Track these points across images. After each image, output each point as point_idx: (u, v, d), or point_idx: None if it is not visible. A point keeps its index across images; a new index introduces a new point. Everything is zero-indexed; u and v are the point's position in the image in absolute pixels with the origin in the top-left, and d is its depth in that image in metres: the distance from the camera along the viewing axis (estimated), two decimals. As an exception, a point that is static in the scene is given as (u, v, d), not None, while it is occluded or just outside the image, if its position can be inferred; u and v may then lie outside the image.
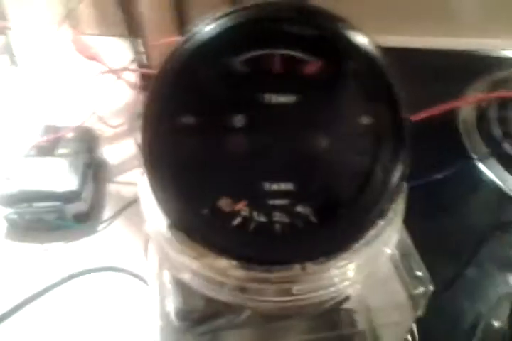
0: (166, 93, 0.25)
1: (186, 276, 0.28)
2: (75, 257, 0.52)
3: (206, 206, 0.27)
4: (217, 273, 0.26)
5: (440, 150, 0.55)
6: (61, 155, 0.56)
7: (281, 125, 0.26)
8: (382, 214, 0.27)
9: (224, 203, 0.27)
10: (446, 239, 0.49)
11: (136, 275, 0.49)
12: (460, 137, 0.60)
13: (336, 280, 0.26)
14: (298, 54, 0.26)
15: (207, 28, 0.25)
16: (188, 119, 0.26)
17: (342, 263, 0.26)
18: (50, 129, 0.58)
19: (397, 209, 0.28)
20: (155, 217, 0.28)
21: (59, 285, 0.49)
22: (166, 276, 0.30)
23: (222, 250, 0.26)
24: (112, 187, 0.61)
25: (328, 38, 0.25)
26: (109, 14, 0.86)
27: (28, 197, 0.52)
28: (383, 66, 0.24)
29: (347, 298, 0.30)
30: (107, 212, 0.57)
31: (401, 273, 0.31)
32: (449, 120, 0.61)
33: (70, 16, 0.85)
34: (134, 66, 0.71)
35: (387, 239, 0.27)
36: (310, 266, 0.26)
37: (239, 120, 0.26)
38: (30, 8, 0.84)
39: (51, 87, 0.57)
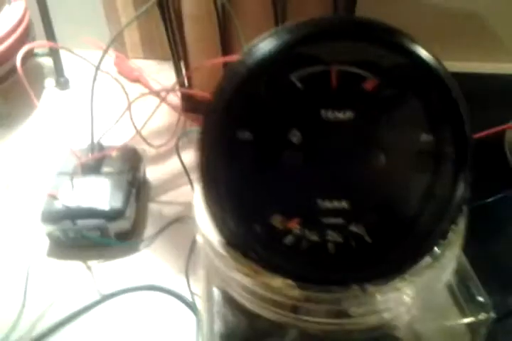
0: (223, 108, 0.25)
1: (236, 292, 0.27)
2: (116, 275, 0.53)
3: (259, 223, 0.26)
4: (271, 292, 0.25)
5: (486, 174, 0.53)
6: (105, 174, 0.57)
7: (338, 142, 0.26)
8: (442, 236, 0.26)
9: (277, 220, 0.27)
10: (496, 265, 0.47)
11: (176, 295, 0.49)
12: (507, 160, 0.59)
13: (392, 304, 0.25)
14: (356, 70, 0.25)
15: (264, 44, 0.25)
16: (245, 134, 0.26)
17: (399, 285, 0.25)
18: (95, 148, 0.59)
19: (457, 231, 0.27)
20: (207, 232, 0.27)
21: (100, 304, 0.49)
22: (213, 294, 0.29)
23: (276, 269, 0.26)
24: (153, 207, 0.61)
25: (388, 52, 0.24)
26: (153, 37, 0.88)
27: (72, 215, 0.53)
28: (449, 83, 0.24)
29: (395, 327, 0.29)
30: (148, 231, 0.58)
31: (458, 300, 0.29)
32: (495, 142, 0.60)
33: (116, 40, 0.88)
34: (176, 88, 0.72)
35: (446, 263, 0.26)
36: (369, 287, 0.25)
37: (295, 136, 0.26)
38: (77, 31, 0.87)
39: (97, 108, 0.58)
